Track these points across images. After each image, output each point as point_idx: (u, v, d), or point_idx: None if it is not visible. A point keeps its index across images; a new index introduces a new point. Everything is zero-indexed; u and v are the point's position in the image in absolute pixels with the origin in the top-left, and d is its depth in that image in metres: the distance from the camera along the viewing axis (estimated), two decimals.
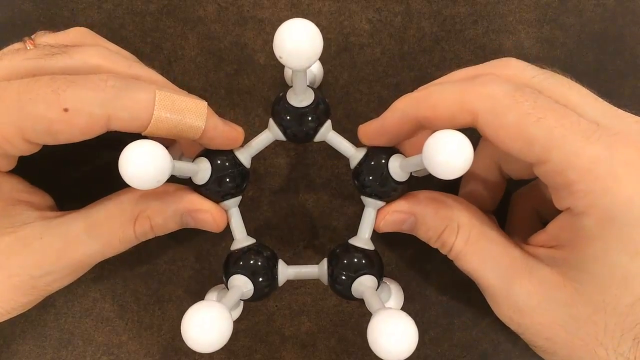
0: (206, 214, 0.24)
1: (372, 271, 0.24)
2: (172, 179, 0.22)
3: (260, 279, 0.23)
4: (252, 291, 0.23)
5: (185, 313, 0.19)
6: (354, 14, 0.30)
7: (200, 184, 0.24)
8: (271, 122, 0.25)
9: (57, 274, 0.23)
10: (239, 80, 0.30)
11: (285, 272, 0.24)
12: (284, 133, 0.24)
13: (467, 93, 0.22)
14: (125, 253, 0.29)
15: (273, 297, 0.29)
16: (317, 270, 0.25)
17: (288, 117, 0.24)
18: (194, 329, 0.19)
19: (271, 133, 0.25)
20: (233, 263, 0.24)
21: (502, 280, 0.23)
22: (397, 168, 0.24)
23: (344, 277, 0.23)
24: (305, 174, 0.30)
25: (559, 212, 0.24)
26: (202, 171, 0.24)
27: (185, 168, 0.22)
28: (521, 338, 0.24)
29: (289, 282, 0.29)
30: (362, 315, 0.29)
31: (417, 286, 0.29)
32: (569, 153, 0.20)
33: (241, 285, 0.23)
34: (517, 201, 0.29)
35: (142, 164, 0.19)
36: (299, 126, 0.24)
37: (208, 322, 0.19)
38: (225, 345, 0.28)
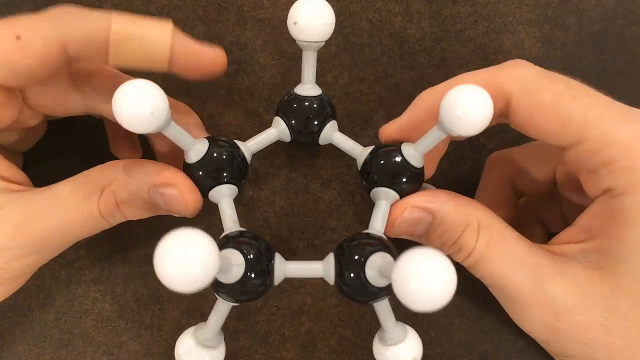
0: (173, 189, 0.21)
1: (387, 251, 0.20)
2: None
3: (254, 275, 0.20)
4: (243, 267, 0.20)
5: (160, 241, 0.15)
6: (354, 14, 0.30)
7: (191, 162, 0.22)
8: (276, 118, 0.24)
9: (15, 250, 0.21)
10: (239, 80, 0.30)
11: (283, 268, 0.21)
12: (289, 127, 0.24)
13: (497, 76, 0.21)
14: (125, 253, 0.29)
15: (273, 297, 0.29)
16: (322, 267, 0.21)
17: (294, 107, 0.23)
18: (171, 260, 0.15)
19: (275, 130, 0.24)
20: (220, 247, 0.20)
21: (533, 282, 0.21)
22: (411, 150, 0.22)
23: (352, 275, 0.20)
24: (306, 174, 0.30)
25: (560, 218, 0.23)
26: (197, 147, 0.22)
27: (180, 133, 0.21)
28: (524, 341, 0.24)
29: (289, 282, 0.29)
30: (362, 315, 0.29)
31: None
32: (609, 130, 0.20)
33: (230, 257, 0.19)
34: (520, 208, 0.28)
35: (138, 100, 0.18)
36: (305, 118, 0.23)
37: (189, 251, 0.15)
38: (225, 345, 0.28)
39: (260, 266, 0.20)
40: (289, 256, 0.29)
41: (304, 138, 0.24)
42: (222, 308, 0.21)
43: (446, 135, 0.21)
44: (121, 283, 0.29)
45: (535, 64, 0.23)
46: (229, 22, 0.30)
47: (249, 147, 0.24)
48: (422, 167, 0.23)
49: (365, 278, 0.20)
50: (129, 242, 0.29)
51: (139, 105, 0.18)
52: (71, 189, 0.22)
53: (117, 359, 0.28)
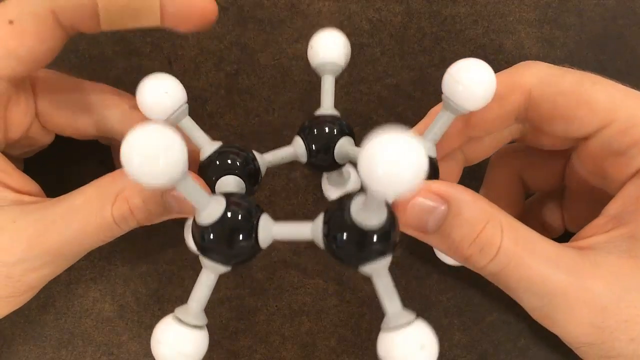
0: None
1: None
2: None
3: (235, 222, 0.19)
4: (223, 206, 0.19)
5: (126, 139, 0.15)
6: (354, 14, 0.30)
7: (203, 158, 0.22)
8: (296, 137, 0.24)
9: (31, 262, 0.22)
10: (239, 80, 0.30)
11: (270, 227, 0.20)
12: (307, 147, 0.24)
13: (513, 74, 0.22)
14: (125, 253, 0.29)
15: (273, 297, 0.29)
16: (310, 228, 0.20)
17: (312, 128, 0.24)
18: (137, 150, 0.15)
19: (293, 148, 0.24)
20: None
21: (574, 280, 0.19)
22: (421, 140, 0.21)
23: (338, 222, 0.18)
24: (306, 174, 0.30)
25: (561, 224, 0.22)
26: (211, 145, 0.22)
27: (196, 129, 0.22)
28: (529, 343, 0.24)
29: (289, 282, 0.29)
30: (362, 315, 0.29)
31: (417, 286, 0.29)
32: (636, 109, 0.20)
33: (213, 198, 0.19)
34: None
35: (155, 82, 0.21)
36: (322, 131, 0.24)
37: (154, 140, 0.15)
38: (225, 345, 0.28)
39: (242, 215, 0.19)
40: (290, 256, 0.29)
41: (321, 160, 0.24)
42: (207, 276, 0.20)
43: (453, 115, 0.20)
44: (121, 283, 0.29)
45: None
46: (229, 22, 0.30)
47: (264, 158, 0.24)
48: (435, 158, 0.22)
49: (350, 217, 0.18)
50: (129, 242, 0.29)
51: (155, 86, 0.21)
52: (84, 199, 0.22)
53: (117, 359, 0.28)
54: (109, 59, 0.30)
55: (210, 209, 0.19)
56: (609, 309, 0.19)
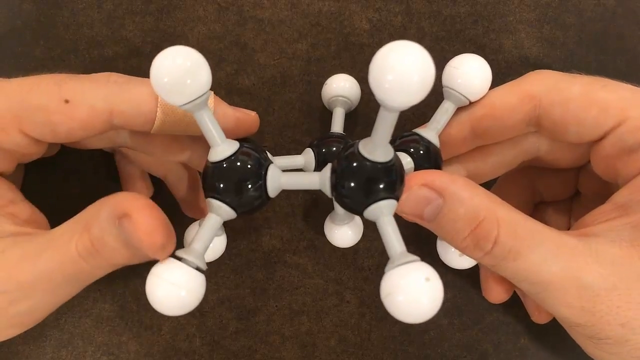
0: (129, 220, 0.18)
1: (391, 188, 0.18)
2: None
3: (245, 162, 0.19)
4: (236, 146, 0.19)
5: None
6: (354, 14, 0.30)
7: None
8: (307, 149, 0.25)
9: (10, 294, 0.20)
10: (239, 80, 0.30)
11: (278, 175, 0.20)
12: (313, 149, 0.25)
13: (522, 84, 0.22)
14: None
15: (273, 297, 0.29)
16: (318, 179, 0.19)
17: (322, 141, 0.25)
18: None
19: (302, 157, 0.25)
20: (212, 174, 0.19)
21: (569, 271, 0.19)
22: (426, 131, 0.23)
23: (354, 169, 0.18)
24: None
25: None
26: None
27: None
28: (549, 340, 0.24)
29: (289, 282, 0.29)
30: (362, 315, 0.29)
31: None
32: None
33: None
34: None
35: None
36: (329, 145, 0.25)
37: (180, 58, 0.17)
38: (225, 345, 0.28)
39: (254, 157, 0.19)
40: (290, 256, 0.29)
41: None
42: (212, 219, 0.19)
43: (454, 105, 0.22)
44: (121, 283, 0.29)
45: (535, 64, 0.24)
46: (229, 22, 0.30)
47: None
48: (438, 147, 0.23)
49: (359, 152, 0.18)
50: None
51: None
52: (64, 229, 0.20)
53: (117, 359, 0.28)
54: (109, 59, 0.30)
55: (223, 146, 0.19)
56: (601, 295, 0.19)
